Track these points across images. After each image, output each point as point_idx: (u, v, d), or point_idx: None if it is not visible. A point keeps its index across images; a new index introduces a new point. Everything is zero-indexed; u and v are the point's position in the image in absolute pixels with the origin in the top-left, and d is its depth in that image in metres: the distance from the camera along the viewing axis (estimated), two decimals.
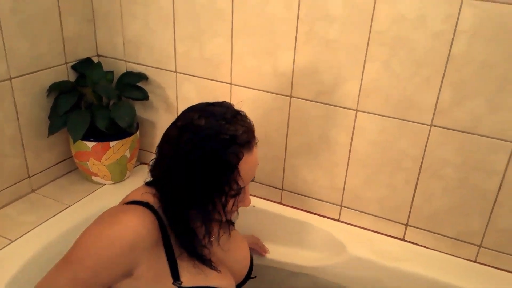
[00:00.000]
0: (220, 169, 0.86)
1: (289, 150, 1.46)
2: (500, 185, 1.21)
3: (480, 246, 1.30)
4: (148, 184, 0.98)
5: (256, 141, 0.93)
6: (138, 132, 1.59)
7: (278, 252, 1.43)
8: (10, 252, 1.22)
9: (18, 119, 1.41)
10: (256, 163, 0.93)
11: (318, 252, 1.41)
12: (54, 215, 1.39)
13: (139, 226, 0.85)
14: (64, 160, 1.62)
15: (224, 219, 0.93)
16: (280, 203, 1.55)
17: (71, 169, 1.65)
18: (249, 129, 0.92)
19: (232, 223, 1.15)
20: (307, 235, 1.44)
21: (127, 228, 0.84)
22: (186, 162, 0.85)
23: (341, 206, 1.45)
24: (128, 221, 0.85)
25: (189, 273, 0.93)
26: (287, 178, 1.50)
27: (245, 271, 1.11)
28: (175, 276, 0.91)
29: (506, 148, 1.17)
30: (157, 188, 0.94)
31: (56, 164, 1.59)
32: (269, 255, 1.43)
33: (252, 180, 0.95)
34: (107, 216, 0.88)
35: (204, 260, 0.95)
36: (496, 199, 1.23)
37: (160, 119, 1.66)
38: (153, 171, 0.95)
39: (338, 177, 1.42)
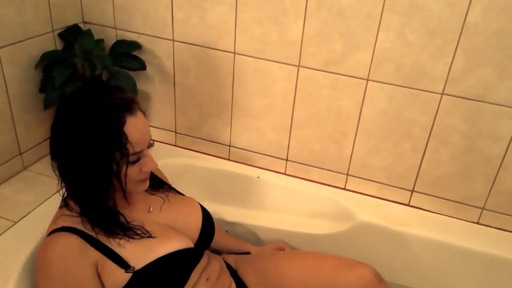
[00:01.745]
0: (106, 136, 0.88)
1: (295, 120, 1.45)
2: (506, 150, 1.27)
3: (483, 208, 1.36)
4: (63, 202, 1.02)
5: (141, 108, 0.96)
6: None
7: (286, 222, 1.45)
8: (17, 234, 1.15)
9: (7, 92, 1.31)
10: (143, 126, 0.95)
11: (327, 220, 1.43)
12: (54, 194, 1.32)
13: (61, 251, 0.92)
14: None
15: (125, 187, 0.95)
16: (285, 173, 1.55)
17: None
18: (128, 96, 0.94)
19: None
20: (314, 205, 1.46)
21: (54, 259, 0.91)
22: (74, 140, 0.90)
23: (347, 174, 1.47)
24: (52, 254, 0.91)
25: (134, 255, 0.95)
26: (293, 149, 1.50)
27: (196, 227, 1.12)
28: (124, 265, 0.94)
29: None
30: (67, 190, 0.99)
31: (47, 139, 1.49)
32: (278, 225, 1.44)
33: (150, 146, 0.98)
34: (38, 261, 0.95)
35: (135, 232, 0.98)
36: (501, 163, 1.29)
37: (156, 91, 1.59)
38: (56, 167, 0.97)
39: (346, 146, 1.43)
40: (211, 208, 1.53)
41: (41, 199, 1.29)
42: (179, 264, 1.00)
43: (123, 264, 0.94)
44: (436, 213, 1.42)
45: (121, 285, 0.94)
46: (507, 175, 1.30)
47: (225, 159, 1.61)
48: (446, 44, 1.20)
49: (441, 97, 1.27)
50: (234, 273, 1.20)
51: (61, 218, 0.97)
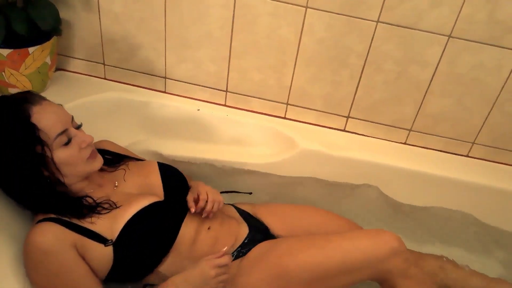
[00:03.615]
0: (17, 137, 0.93)
1: (234, 50, 1.42)
2: (433, 76, 1.36)
3: (410, 130, 1.48)
4: None
5: (43, 97, 1.01)
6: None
7: (230, 153, 1.46)
8: None
9: None
10: (52, 109, 0.98)
11: (270, 149, 1.47)
12: None
13: (37, 240, 0.94)
14: None
15: (60, 174, 0.99)
16: (225, 105, 1.54)
17: None
18: (25, 91, 1.02)
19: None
20: (256, 135, 1.48)
21: (33, 247, 0.94)
22: None
23: (287, 104, 1.50)
24: (31, 244, 0.94)
25: (107, 229, 1.00)
26: (232, 79, 1.48)
27: (158, 183, 1.15)
28: (102, 240, 0.98)
29: (441, 41, 1.30)
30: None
31: None
32: (221, 157, 1.45)
33: (78, 127, 1.03)
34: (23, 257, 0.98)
35: (103, 207, 1.03)
36: (428, 88, 1.38)
37: (78, 18, 1.45)
38: None
39: (286, 76, 1.43)
40: (150, 143, 1.51)
41: None
42: (151, 219, 1.03)
43: (100, 239, 0.97)
44: (370, 136, 1.51)
45: (109, 261, 0.98)
46: (432, 98, 1.40)
47: (161, 91, 1.55)
48: None
49: (377, 24, 1.30)
50: (251, 217, 1.22)
51: (37, 217, 1.00)
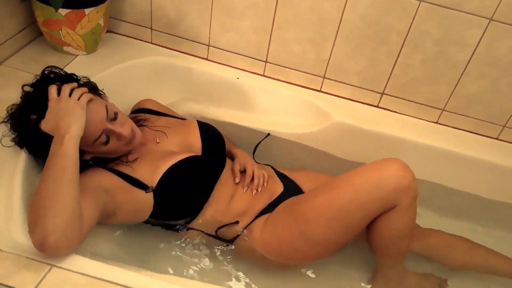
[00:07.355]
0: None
1: (277, 21, 1.47)
2: (471, 57, 1.38)
3: (443, 110, 1.51)
4: None
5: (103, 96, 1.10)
6: None
7: (265, 122, 1.53)
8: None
9: None
10: (89, 119, 0.98)
11: (305, 120, 1.53)
12: None
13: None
14: (26, 27, 1.45)
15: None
16: (263, 75, 1.59)
17: (34, 37, 1.49)
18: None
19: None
20: (292, 106, 1.54)
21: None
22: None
23: (323, 77, 1.54)
24: None
25: (147, 177, 1.07)
26: (273, 51, 1.53)
27: (197, 141, 1.23)
28: (143, 186, 1.06)
29: (482, 24, 1.32)
30: None
31: (19, 32, 1.43)
32: (257, 125, 1.52)
33: (113, 119, 1.05)
34: None
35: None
36: (464, 69, 1.41)
37: None
38: None
39: (325, 50, 1.48)
40: (191, 107, 1.58)
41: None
42: (188, 170, 1.11)
43: (141, 186, 1.05)
44: (402, 113, 1.55)
45: (149, 206, 1.06)
46: (468, 80, 1.43)
47: (203, 59, 1.62)
48: None
49: (419, 4, 1.32)
50: (287, 179, 1.30)
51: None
